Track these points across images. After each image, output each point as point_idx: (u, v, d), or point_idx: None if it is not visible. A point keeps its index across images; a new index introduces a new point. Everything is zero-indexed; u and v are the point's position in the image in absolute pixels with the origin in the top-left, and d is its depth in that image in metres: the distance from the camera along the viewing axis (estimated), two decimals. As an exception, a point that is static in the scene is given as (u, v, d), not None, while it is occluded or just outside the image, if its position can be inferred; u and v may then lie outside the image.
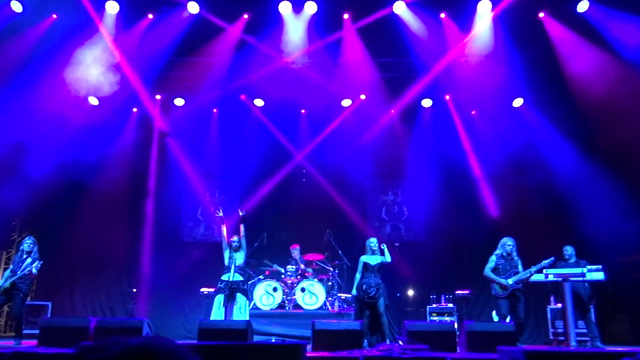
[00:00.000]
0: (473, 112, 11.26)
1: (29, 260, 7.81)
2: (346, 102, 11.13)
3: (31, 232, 10.80)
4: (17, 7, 8.77)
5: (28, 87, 9.36)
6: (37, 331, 7.39)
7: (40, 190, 10.31)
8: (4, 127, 9.39)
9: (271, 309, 9.42)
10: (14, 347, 6.95)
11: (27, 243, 7.89)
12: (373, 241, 7.89)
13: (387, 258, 7.72)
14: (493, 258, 7.81)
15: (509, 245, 7.73)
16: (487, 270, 7.74)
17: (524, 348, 5.65)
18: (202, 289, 9.78)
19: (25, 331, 8.91)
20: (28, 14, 8.90)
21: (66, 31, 9.15)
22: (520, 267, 7.65)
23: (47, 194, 10.66)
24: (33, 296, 10.97)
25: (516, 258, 7.73)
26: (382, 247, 7.60)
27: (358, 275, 7.76)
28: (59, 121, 9.92)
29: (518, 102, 10.71)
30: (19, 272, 7.67)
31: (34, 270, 7.62)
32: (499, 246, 7.84)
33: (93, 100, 10.41)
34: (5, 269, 10.76)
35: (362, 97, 11.08)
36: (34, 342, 7.08)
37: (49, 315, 9.56)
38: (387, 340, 7.22)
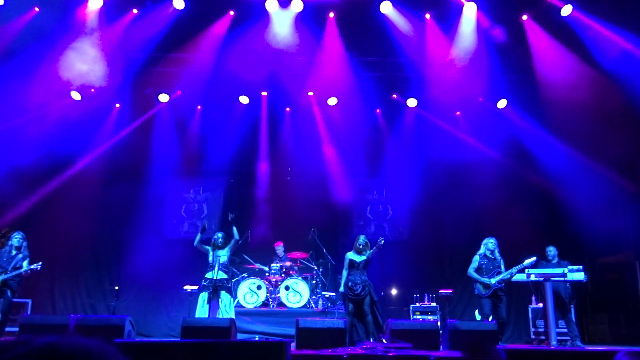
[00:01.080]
0: (458, 113, 11.34)
1: (19, 256, 7.69)
2: (332, 101, 11.13)
3: (11, 228, 10.64)
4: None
5: (10, 79, 9.20)
6: (16, 329, 7.30)
7: (20, 185, 10.14)
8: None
9: (255, 307, 9.40)
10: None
11: (17, 238, 7.77)
12: (362, 239, 7.87)
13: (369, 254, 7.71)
14: (476, 258, 7.91)
15: (491, 244, 7.85)
16: (471, 270, 7.85)
17: (505, 346, 5.71)
18: (186, 287, 9.71)
19: (5, 329, 8.78)
20: (10, 7, 8.75)
21: (49, 25, 9.01)
22: (502, 267, 7.76)
23: (27, 189, 10.49)
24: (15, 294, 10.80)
25: (499, 258, 7.84)
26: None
27: (345, 273, 7.75)
28: (40, 115, 9.79)
29: (502, 104, 10.80)
30: (9, 269, 7.54)
31: (24, 269, 7.52)
32: (482, 246, 7.96)
33: (76, 95, 10.27)
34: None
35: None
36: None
37: (28, 313, 9.41)
38: (371, 339, 7.24)
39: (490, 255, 7.82)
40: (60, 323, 6.66)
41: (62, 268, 10.96)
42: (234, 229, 8.23)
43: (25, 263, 7.66)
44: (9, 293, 7.56)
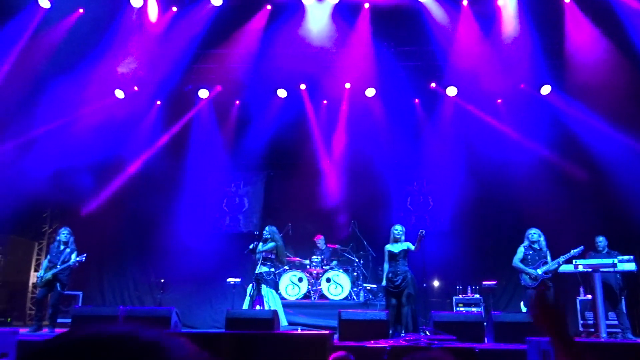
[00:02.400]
0: (499, 101, 11.09)
1: (67, 250, 8.02)
2: (370, 92, 11.04)
3: (61, 224, 11.07)
4: (44, 3, 8.92)
5: (59, 81, 9.54)
6: (69, 320, 7.61)
7: (68, 182, 10.53)
8: (34, 120, 9.60)
9: (297, 299, 9.48)
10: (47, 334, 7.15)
11: (64, 233, 8.12)
12: (397, 228, 7.83)
13: (411, 245, 7.65)
14: (521, 249, 7.74)
15: (535, 235, 7.64)
16: (516, 261, 7.68)
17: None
18: (229, 279, 9.88)
19: (58, 320, 9.18)
20: (55, 9, 9.05)
21: (94, 25, 9.28)
22: (548, 257, 7.57)
23: (75, 186, 10.87)
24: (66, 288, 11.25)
25: (544, 248, 7.64)
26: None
27: (386, 266, 7.72)
28: (87, 114, 10.11)
29: (546, 90, 10.47)
30: (59, 263, 7.88)
31: (72, 261, 7.86)
32: (525, 237, 7.77)
33: (119, 94, 10.56)
34: (37, 260, 11.05)
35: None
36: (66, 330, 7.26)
37: (80, 305, 9.79)
38: (403, 332, 7.20)
39: (535, 246, 7.64)
40: (110, 314, 6.91)
41: (110, 262, 11.34)
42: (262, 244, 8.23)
43: (73, 256, 7.97)
44: (59, 287, 7.89)
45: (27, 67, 9.27)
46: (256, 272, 7.98)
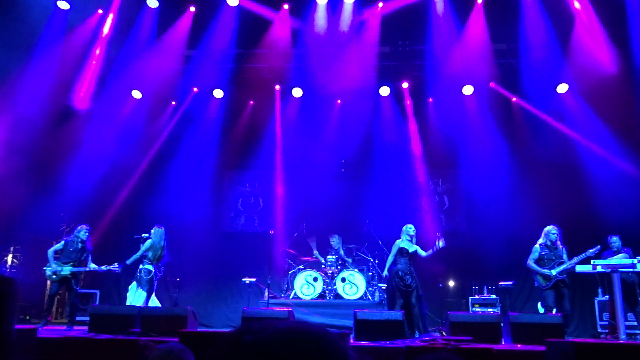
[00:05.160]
0: (514, 99, 11.01)
1: (81, 248, 8.13)
2: (384, 91, 11.00)
3: (79, 223, 11.18)
4: (63, 5, 9.02)
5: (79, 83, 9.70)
6: (87, 318, 7.68)
7: (87, 182, 10.65)
8: (53, 122, 9.73)
9: (312, 299, 9.48)
10: (65, 331, 7.24)
11: (83, 231, 8.23)
12: (411, 227, 7.81)
13: (421, 251, 7.66)
14: (537, 248, 7.62)
15: (554, 234, 7.53)
16: (530, 261, 7.57)
17: (574, 340, 5.52)
18: (244, 279, 9.92)
19: (76, 318, 9.30)
20: (75, 10, 9.16)
21: (117, 27, 9.41)
22: (565, 257, 7.45)
23: (93, 186, 10.98)
24: (81, 284, 11.35)
25: (561, 247, 7.52)
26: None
27: (391, 259, 7.69)
28: (102, 113, 10.25)
29: (562, 88, 10.36)
30: (76, 262, 8.00)
31: (93, 268, 8.02)
32: (543, 235, 7.66)
33: (137, 94, 10.66)
34: (56, 259, 11.17)
35: (405, 85, 11.02)
36: (84, 328, 7.36)
37: (97, 303, 9.89)
38: (417, 333, 7.18)
39: (551, 245, 7.52)
40: (127, 313, 6.95)
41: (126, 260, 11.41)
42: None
43: (92, 265, 8.21)
44: (73, 283, 8.02)
45: (63, 71, 9.43)
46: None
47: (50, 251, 8.09)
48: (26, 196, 9.19)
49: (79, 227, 8.34)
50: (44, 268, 8.03)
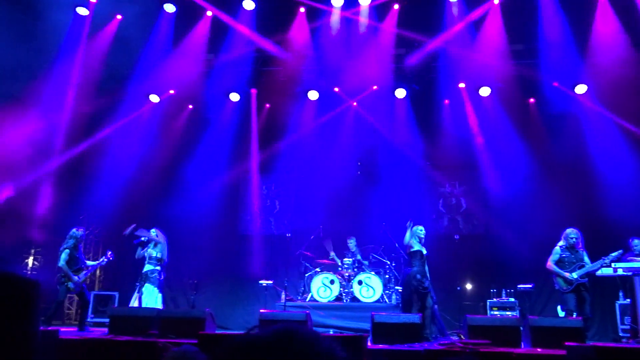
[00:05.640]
0: (531, 100, 10.91)
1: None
2: (400, 93, 10.97)
3: (96, 227, 11.37)
4: (83, 11, 9.16)
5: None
6: (106, 320, 7.77)
7: (103, 185, 10.80)
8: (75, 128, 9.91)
9: (328, 301, 9.48)
10: (83, 333, 7.34)
11: (81, 232, 8.36)
12: (421, 229, 7.78)
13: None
14: (557, 250, 7.51)
15: (572, 238, 7.40)
16: (551, 263, 7.45)
17: (595, 344, 5.43)
18: (261, 281, 9.95)
19: (95, 319, 9.41)
20: (95, 16, 9.31)
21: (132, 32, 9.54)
22: (586, 260, 7.33)
23: (110, 189, 11.12)
24: (100, 286, 11.50)
25: (581, 250, 7.40)
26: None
27: (416, 263, 7.63)
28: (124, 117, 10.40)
29: (581, 89, 10.24)
30: (83, 266, 8.13)
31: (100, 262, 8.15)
32: (563, 237, 7.53)
33: (154, 98, 10.78)
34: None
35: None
36: (104, 329, 7.45)
37: (116, 305, 10.00)
38: (432, 336, 7.16)
39: (572, 248, 7.40)
40: (146, 315, 7.02)
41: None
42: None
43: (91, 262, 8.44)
44: (85, 288, 8.24)
45: (89, 77, 9.60)
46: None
47: (65, 265, 7.90)
48: (48, 199, 9.34)
49: (78, 231, 8.26)
50: (65, 284, 7.85)
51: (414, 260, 7.59)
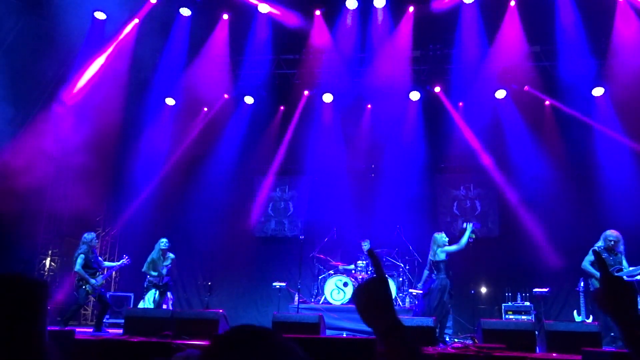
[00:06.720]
0: (547, 102, 10.80)
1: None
2: (415, 96, 10.93)
3: (113, 228, 11.50)
4: (100, 15, 9.28)
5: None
6: (122, 320, 7.85)
7: (121, 188, 10.93)
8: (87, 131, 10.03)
9: (342, 304, 9.46)
10: (99, 333, 7.43)
11: (94, 236, 8.48)
12: (444, 236, 7.72)
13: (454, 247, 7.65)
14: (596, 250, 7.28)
15: (611, 241, 7.07)
16: (586, 264, 7.10)
17: (611, 350, 5.35)
18: (275, 283, 9.97)
19: (110, 320, 9.51)
20: (110, 20, 9.43)
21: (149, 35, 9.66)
22: (625, 263, 7.06)
23: (127, 191, 11.25)
24: (116, 287, 11.62)
25: (620, 254, 7.14)
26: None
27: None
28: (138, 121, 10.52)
29: (598, 92, 10.11)
30: (99, 270, 8.24)
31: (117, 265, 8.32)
32: (601, 239, 7.19)
33: (170, 101, 10.88)
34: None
35: (437, 89, 10.95)
36: (119, 330, 7.53)
37: (131, 306, 10.09)
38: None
39: (610, 250, 7.04)
40: (161, 316, 7.08)
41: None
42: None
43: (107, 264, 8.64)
44: (104, 292, 8.31)
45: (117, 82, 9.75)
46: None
47: (81, 269, 7.91)
48: (65, 199, 9.47)
49: (89, 235, 8.27)
50: (84, 287, 7.86)
51: (444, 267, 7.51)
